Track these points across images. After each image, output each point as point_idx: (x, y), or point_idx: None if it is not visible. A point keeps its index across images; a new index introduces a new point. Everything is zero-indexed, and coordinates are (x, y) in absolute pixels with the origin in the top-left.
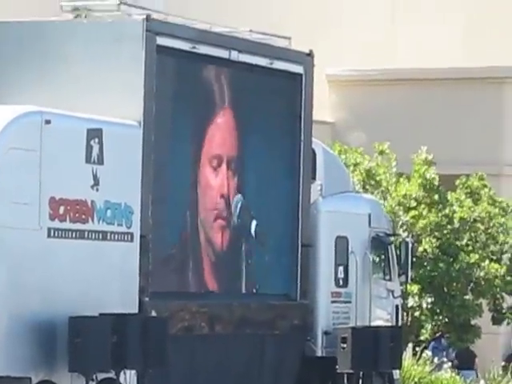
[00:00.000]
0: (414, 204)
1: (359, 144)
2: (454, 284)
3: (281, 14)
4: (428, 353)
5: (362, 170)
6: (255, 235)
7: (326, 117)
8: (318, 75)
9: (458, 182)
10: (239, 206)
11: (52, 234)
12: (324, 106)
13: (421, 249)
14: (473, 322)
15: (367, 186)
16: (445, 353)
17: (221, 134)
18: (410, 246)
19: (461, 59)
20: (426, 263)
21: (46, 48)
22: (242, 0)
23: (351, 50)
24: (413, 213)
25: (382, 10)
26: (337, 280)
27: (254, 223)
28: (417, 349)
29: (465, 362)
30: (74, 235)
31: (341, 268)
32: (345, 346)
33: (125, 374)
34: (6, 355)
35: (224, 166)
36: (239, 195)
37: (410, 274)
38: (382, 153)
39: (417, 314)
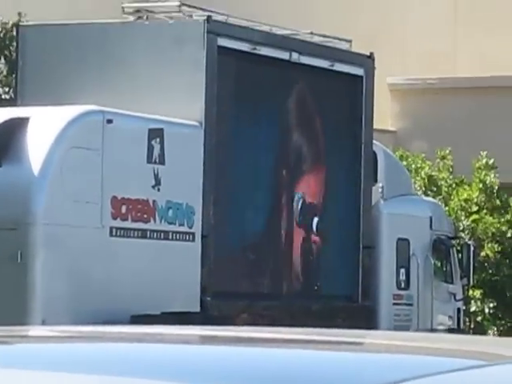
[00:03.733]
0: (475, 209)
1: (421, 151)
2: None
3: (342, 22)
4: None
5: (424, 175)
6: (317, 231)
7: (388, 126)
8: (379, 84)
9: None
10: (300, 202)
11: (114, 232)
12: (386, 114)
13: (483, 254)
14: None
15: (428, 192)
16: None
17: (281, 135)
18: (472, 248)
19: None
20: (488, 267)
21: (108, 49)
22: (303, 3)
23: (412, 59)
24: (474, 217)
25: (444, 18)
26: (398, 282)
27: (315, 220)
28: None
29: None
30: (135, 234)
31: (402, 270)
32: None
33: None
34: None
35: (286, 166)
36: (301, 193)
37: (472, 276)
38: (443, 158)
39: (479, 318)
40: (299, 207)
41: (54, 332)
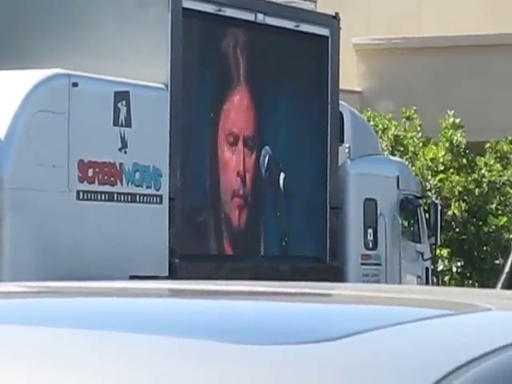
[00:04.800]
0: (441, 168)
1: (388, 111)
2: (484, 247)
3: None
4: None
5: (390, 135)
6: (283, 187)
7: (354, 86)
8: (345, 45)
9: (487, 145)
10: (267, 158)
11: (81, 196)
12: (352, 75)
13: (450, 213)
14: None
15: (395, 152)
16: None
17: (247, 96)
18: (440, 207)
19: (487, 26)
20: (455, 226)
21: (72, 13)
22: None
23: (377, 19)
24: (440, 176)
25: None
26: (366, 242)
27: (282, 176)
28: None
29: None
30: (103, 197)
31: (370, 230)
32: None
33: None
34: None
35: (252, 124)
36: (267, 147)
37: (439, 235)
38: (409, 118)
39: (447, 278)
40: (266, 164)
41: (21, 287)
